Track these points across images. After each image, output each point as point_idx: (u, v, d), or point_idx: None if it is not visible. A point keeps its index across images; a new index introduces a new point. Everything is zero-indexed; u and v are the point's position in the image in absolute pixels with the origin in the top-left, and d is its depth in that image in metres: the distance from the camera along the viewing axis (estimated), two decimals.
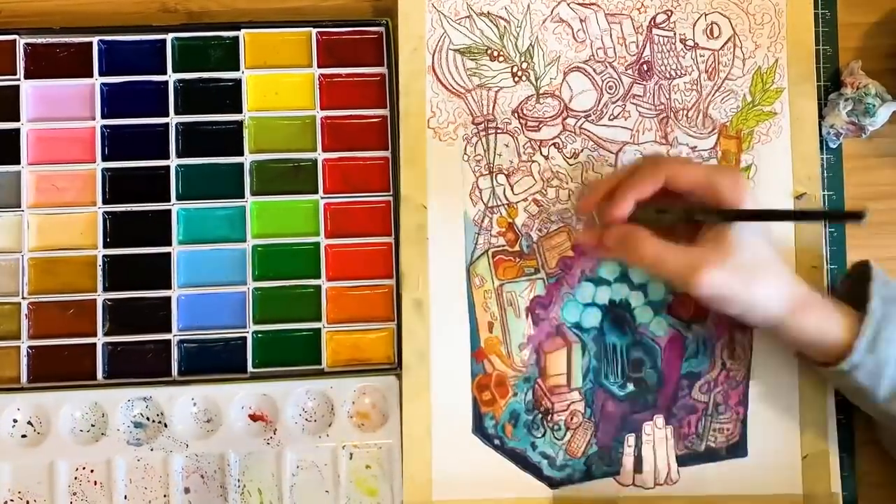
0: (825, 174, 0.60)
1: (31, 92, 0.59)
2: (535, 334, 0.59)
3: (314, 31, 0.59)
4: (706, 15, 0.60)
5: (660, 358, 0.59)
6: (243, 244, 0.58)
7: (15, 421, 0.57)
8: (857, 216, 0.48)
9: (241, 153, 0.59)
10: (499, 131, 0.59)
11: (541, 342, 0.59)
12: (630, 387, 0.58)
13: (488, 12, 0.60)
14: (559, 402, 0.58)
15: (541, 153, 0.59)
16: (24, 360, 0.57)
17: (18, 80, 0.58)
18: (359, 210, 0.59)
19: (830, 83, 0.61)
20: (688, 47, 0.60)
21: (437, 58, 0.59)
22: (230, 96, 0.59)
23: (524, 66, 0.59)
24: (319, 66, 0.59)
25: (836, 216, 0.50)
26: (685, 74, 0.60)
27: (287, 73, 0.59)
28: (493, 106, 0.59)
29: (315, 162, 0.59)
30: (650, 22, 0.60)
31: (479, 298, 0.58)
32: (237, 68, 0.59)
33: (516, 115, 0.59)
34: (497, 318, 0.58)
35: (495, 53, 0.59)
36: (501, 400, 0.58)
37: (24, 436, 0.57)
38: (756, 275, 0.51)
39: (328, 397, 0.58)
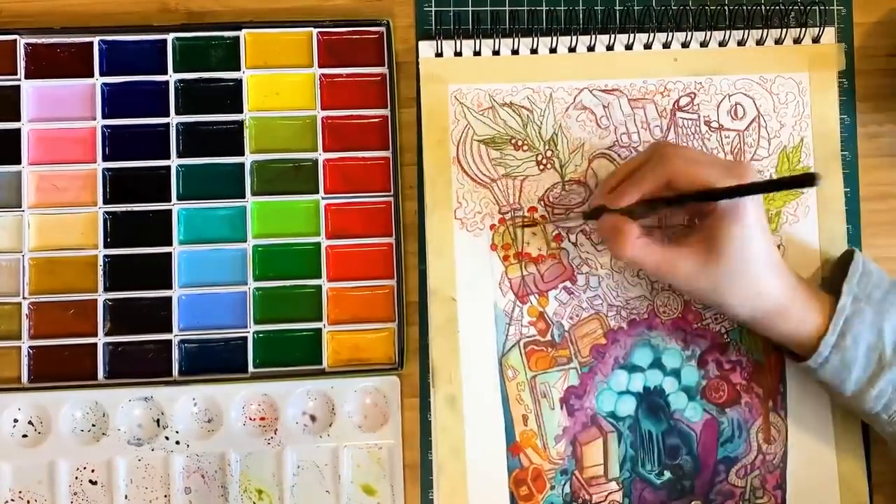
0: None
1: (32, 92, 0.59)
2: (571, 425, 0.58)
3: (315, 31, 0.59)
4: (730, 96, 0.60)
5: (696, 443, 0.58)
6: (244, 244, 0.58)
7: (15, 421, 0.57)
8: (809, 181, 0.45)
9: (241, 153, 0.59)
10: (526, 220, 0.59)
11: (577, 433, 0.58)
12: (667, 474, 0.58)
13: (511, 102, 0.59)
14: (597, 494, 0.58)
15: (569, 240, 0.59)
16: (24, 360, 0.57)
17: (19, 80, 0.58)
18: (359, 210, 0.59)
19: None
20: (712, 129, 0.59)
21: (461, 149, 0.59)
22: (231, 96, 0.59)
23: (549, 154, 0.59)
24: (320, 66, 0.59)
25: (787, 183, 0.50)
26: None
27: (288, 73, 0.59)
28: (520, 195, 0.59)
29: (316, 162, 0.59)
30: (674, 105, 0.59)
31: (512, 391, 0.58)
32: (238, 68, 0.59)
33: (543, 202, 0.59)
34: (531, 410, 0.58)
35: (519, 143, 0.59)
36: (539, 494, 0.58)
37: (24, 436, 0.57)
38: (731, 282, 0.51)
39: (329, 397, 0.58)
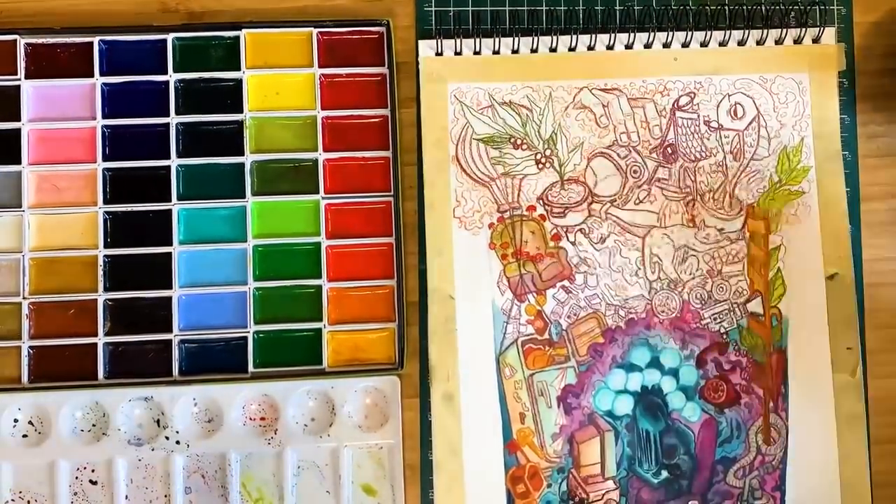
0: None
1: (32, 92, 0.59)
2: (568, 424, 0.58)
3: (315, 30, 0.59)
4: (729, 96, 0.60)
5: (693, 443, 0.58)
6: (244, 244, 0.59)
7: (16, 421, 0.57)
8: None
9: (241, 153, 0.59)
10: (524, 219, 0.59)
11: (574, 432, 0.58)
12: (664, 474, 0.58)
13: (510, 101, 0.59)
14: (594, 492, 0.58)
15: (567, 239, 0.59)
16: (24, 360, 0.57)
17: (19, 80, 0.58)
18: (359, 210, 0.59)
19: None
20: (712, 129, 0.59)
21: (460, 147, 0.59)
22: (231, 96, 0.59)
23: (548, 153, 0.59)
24: (320, 66, 0.59)
25: None
26: (710, 156, 0.59)
27: (288, 73, 0.59)
28: (518, 194, 0.59)
29: (316, 162, 0.59)
30: (673, 105, 0.59)
31: (509, 389, 0.58)
32: (238, 68, 0.59)
33: (541, 201, 0.59)
34: (529, 408, 0.58)
35: (518, 141, 0.59)
36: (535, 492, 0.58)
37: (24, 436, 0.57)
38: None
39: (329, 397, 0.58)
